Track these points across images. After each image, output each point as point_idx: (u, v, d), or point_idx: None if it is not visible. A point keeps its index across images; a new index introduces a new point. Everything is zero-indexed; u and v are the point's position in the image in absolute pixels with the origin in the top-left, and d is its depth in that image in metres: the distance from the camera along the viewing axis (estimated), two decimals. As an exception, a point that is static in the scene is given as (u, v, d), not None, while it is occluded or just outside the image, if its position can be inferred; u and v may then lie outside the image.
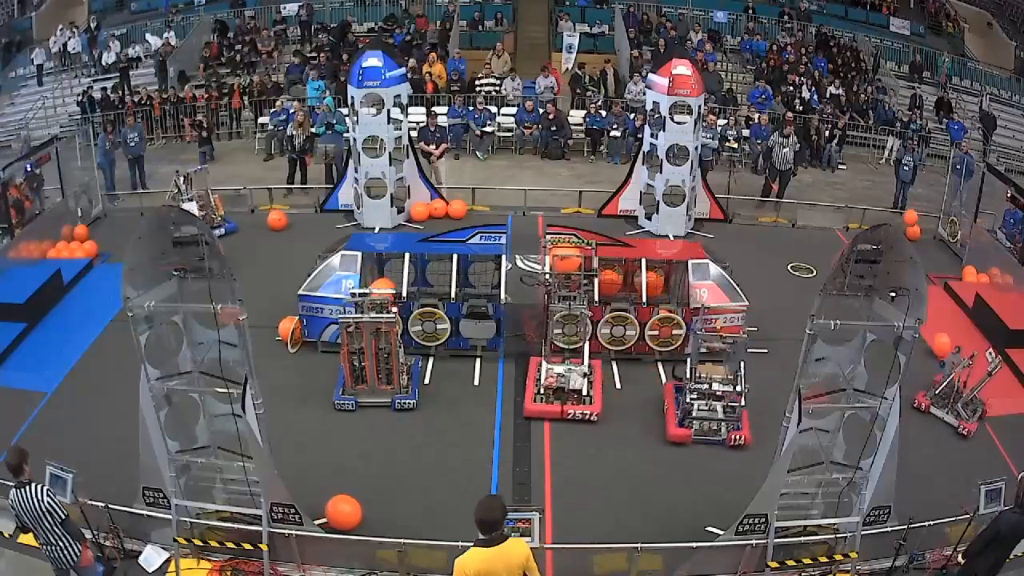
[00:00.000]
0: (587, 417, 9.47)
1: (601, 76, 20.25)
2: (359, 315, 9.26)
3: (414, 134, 15.44)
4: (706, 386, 9.23)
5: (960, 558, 7.16)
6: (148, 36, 22.30)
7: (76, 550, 6.42)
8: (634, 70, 19.88)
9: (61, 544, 6.35)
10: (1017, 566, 7.50)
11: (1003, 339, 11.13)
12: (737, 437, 9.15)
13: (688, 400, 9.24)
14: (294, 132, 16.00)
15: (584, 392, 9.67)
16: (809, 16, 24.66)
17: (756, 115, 18.40)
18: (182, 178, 13.88)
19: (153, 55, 21.67)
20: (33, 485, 6.23)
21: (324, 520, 7.77)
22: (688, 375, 9.38)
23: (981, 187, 13.86)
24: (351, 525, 7.80)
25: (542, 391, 9.71)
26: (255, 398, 6.81)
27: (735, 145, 17.59)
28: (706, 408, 9.21)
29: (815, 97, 19.96)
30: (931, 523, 7.53)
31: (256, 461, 6.99)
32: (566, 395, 9.62)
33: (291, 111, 17.70)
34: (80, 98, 19.33)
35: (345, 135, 15.38)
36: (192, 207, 13.18)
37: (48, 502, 6.20)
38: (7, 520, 7.69)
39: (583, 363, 9.87)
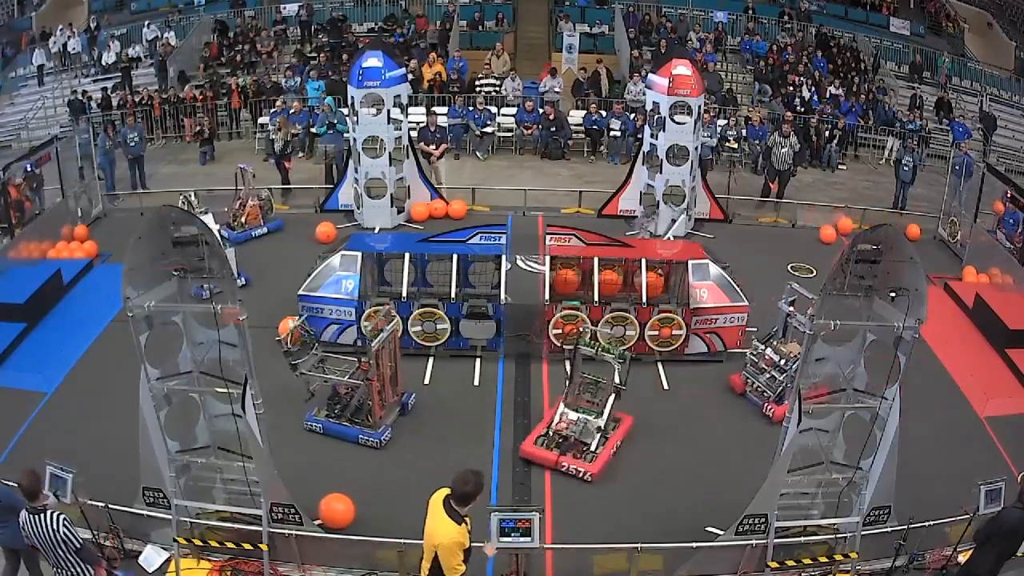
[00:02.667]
0: (580, 475, 8.61)
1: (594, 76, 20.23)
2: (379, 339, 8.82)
3: (414, 134, 15.44)
4: (768, 352, 9.71)
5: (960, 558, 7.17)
6: (145, 29, 22.32)
7: (89, 574, 6.34)
8: (634, 70, 19.89)
9: (74, 571, 6.27)
10: (1017, 566, 7.50)
11: (1003, 339, 11.14)
12: (769, 409, 9.44)
13: (753, 354, 9.95)
14: (274, 136, 15.87)
15: (592, 447, 8.80)
16: (809, 16, 24.68)
17: (756, 115, 18.42)
18: (192, 194, 13.81)
19: (150, 46, 21.69)
20: (48, 513, 6.10)
21: (321, 521, 7.78)
22: (766, 341, 9.98)
23: (981, 187, 13.87)
24: (344, 523, 7.80)
25: (550, 434, 8.97)
26: (255, 398, 6.80)
27: (735, 145, 17.62)
28: (768, 373, 9.68)
29: (815, 97, 19.97)
30: (931, 523, 7.53)
31: (256, 461, 6.99)
32: (570, 446, 8.83)
33: (291, 111, 17.72)
34: (71, 97, 19.26)
35: (345, 135, 15.38)
36: (209, 219, 13.15)
37: (64, 532, 6.07)
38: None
39: (603, 415, 8.95)
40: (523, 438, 9.27)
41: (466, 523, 5.85)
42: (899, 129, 19.27)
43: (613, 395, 8.94)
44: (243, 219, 14.16)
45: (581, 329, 9.86)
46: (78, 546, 6.18)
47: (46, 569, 6.72)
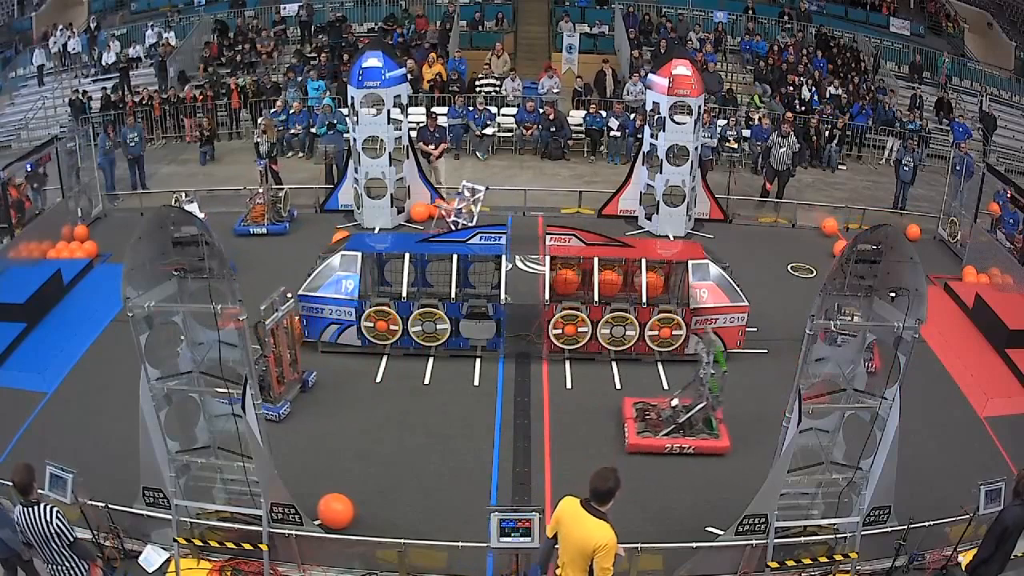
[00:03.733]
0: (624, 438, 9.13)
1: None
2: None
3: (414, 134, 15.44)
4: None
5: (964, 568, 7.16)
6: (148, 31, 22.33)
7: (84, 569, 6.33)
8: (634, 70, 19.89)
9: (68, 565, 6.25)
10: (1017, 566, 7.50)
11: (1003, 339, 11.13)
12: None
13: None
14: (259, 139, 15.82)
15: (657, 433, 9.07)
16: (809, 16, 24.69)
17: (756, 115, 18.43)
18: (184, 194, 13.87)
19: (151, 47, 21.71)
20: (42, 506, 6.09)
21: (320, 521, 7.78)
22: None
23: (981, 187, 13.88)
24: (343, 523, 7.81)
25: (653, 406, 9.38)
26: (255, 398, 6.80)
27: (735, 145, 17.62)
28: None
29: (815, 97, 19.97)
30: (931, 523, 7.53)
31: (256, 461, 6.98)
32: (651, 421, 9.22)
33: (290, 111, 17.73)
34: (72, 97, 19.26)
35: (345, 135, 15.36)
36: (194, 208, 13.26)
37: (57, 525, 6.07)
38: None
39: (684, 416, 9.11)
40: (523, 438, 9.30)
41: None
42: (899, 129, 19.27)
43: (701, 404, 9.05)
44: (250, 215, 14.31)
45: (704, 334, 9.98)
46: (71, 540, 6.17)
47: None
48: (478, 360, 10.68)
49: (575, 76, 20.26)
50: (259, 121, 16.84)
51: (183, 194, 13.77)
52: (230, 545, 7.40)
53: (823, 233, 14.89)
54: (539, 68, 20.73)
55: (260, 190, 14.37)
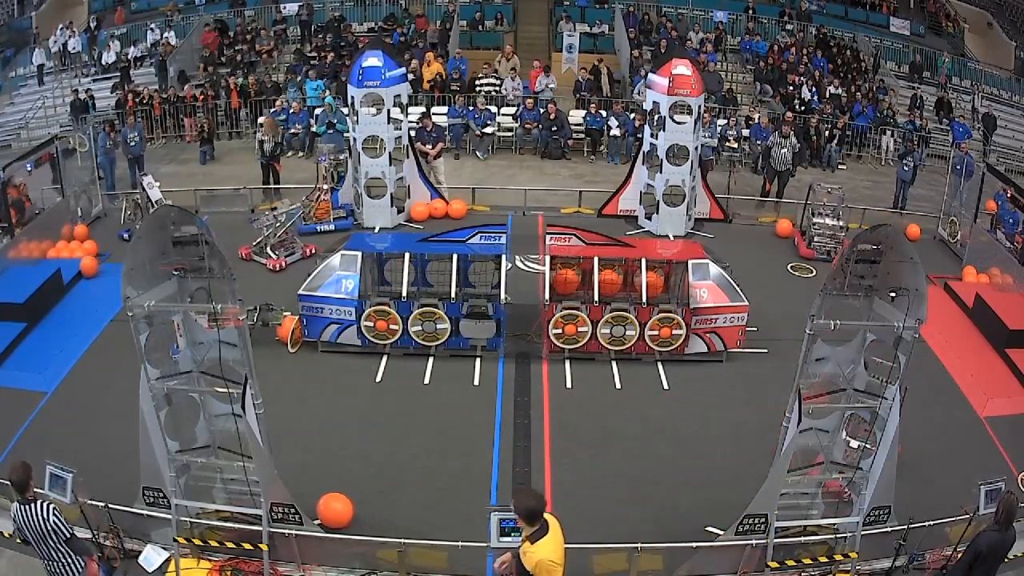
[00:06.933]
0: None
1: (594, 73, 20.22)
2: None
3: (413, 134, 15.44)
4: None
5: None
6: (149, 32, 22.31)
7: (80, 565, 6.34)
8: (634, 70, 19.87)
9: (65, 561, 6.27)
10: (1017, 566, 7.50)
11: (1003, 339, 11.13)
12: None
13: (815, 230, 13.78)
14: (263, 138, 15.76)
15: None
16: (809, 16, 24.68)
17: (756, 115, 18.43)
18: (150, 186, 13.81)
19: (151, 47, 21.70)
20: (38, 503, 6.10)
21: (319, 521, 7.78)
22: (809, 218, 13.95)
23: (981, 187, 13.88)
24: (343, 523, 7.81)
25: None
26: (255, 398, 6.80)
27: (735, 145, 17.61)
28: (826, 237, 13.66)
29: (815, 97, 19.97)
30: (931, 523, 7.54)
31: (256, 461, 6.98)
32: None
33: (290, 111, 17.70)
34: (73, 98, 19.25)
35: (346, 135, 15.34)
36: (149, 180, 13.66)
37: (54, 521, 6.09)
38: (7, 520, 7.71)
39: None
40: (523, 438, 9.30)
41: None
42: (899, 128, 19.26)
43: None
44: (314, 213, 14.22)
45: None
46: (68, 535, 6.20)
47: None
48: (478, 360, 10.68)
49: (575, 75, 20.23)
50: (259, 120, 16.82)
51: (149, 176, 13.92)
52: (230, 545, 7.40)
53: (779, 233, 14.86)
54: (539, 68, 20.71)
55: (324, 187, 14.25)
